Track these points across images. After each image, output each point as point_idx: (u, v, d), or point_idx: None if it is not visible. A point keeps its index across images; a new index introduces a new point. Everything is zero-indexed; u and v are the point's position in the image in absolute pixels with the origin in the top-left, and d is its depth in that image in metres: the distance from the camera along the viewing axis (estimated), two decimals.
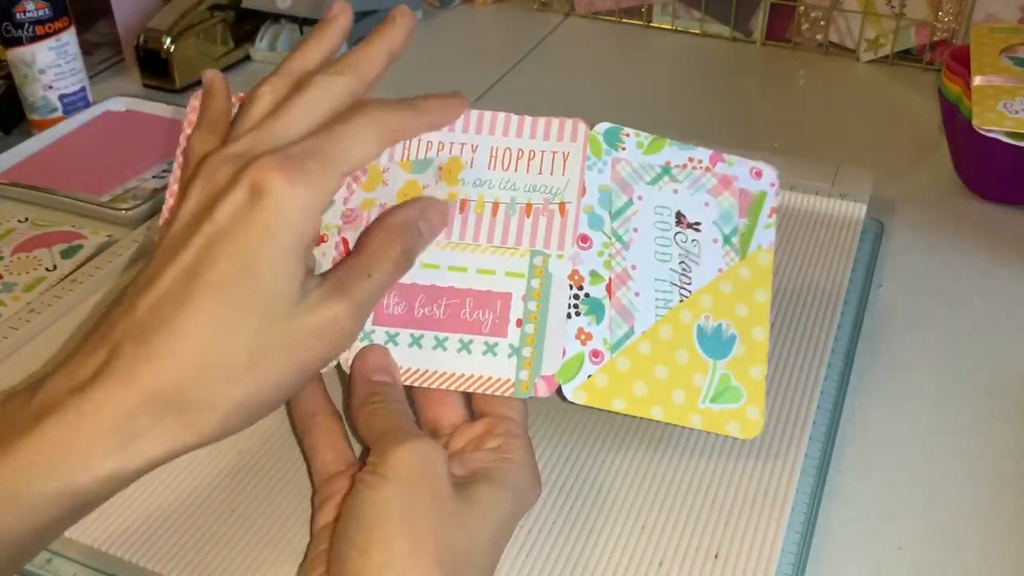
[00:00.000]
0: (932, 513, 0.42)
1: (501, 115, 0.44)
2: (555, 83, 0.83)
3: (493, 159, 0.43)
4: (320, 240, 0.43)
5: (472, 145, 0.43)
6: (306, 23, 0.85)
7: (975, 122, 0.57)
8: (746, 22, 0.87)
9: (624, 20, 0.92)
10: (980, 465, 0.44)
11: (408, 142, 0.44)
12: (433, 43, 0.91)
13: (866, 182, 0.60)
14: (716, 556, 0.39)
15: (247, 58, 0.87)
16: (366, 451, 0.42)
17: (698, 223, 0.43)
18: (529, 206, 0.42)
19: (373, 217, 0.43)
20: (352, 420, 0.39)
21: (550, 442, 0.44)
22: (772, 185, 0.44)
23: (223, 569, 0.39)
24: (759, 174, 0.44)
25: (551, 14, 0.94)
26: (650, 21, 0.91)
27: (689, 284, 0.42)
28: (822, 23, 0.84)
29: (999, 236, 0.60)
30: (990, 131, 0.57)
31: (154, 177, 0.67)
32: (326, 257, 0.43)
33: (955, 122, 0.63)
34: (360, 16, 0.87)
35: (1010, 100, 0.58)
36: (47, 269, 0.59)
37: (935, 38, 0.80)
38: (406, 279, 0.42)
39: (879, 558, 0.40)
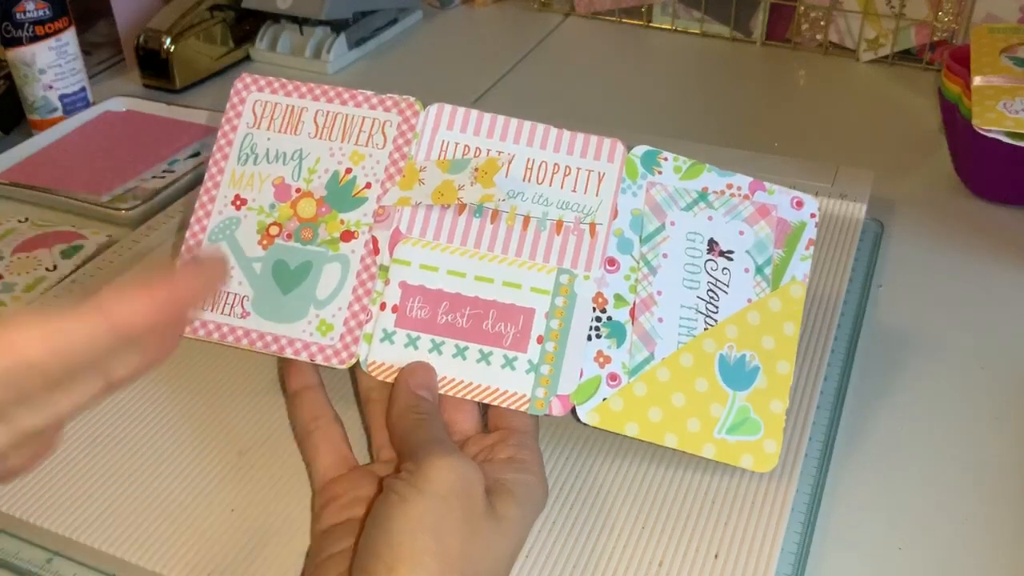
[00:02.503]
0: (932, 513, 0.42)
1: (540, 126, 0.44)
2: (555, 83, 0.83)
3: (528, 171, 0.43)
4: (350, 236, 0.43)
5: (509, 154, 0.44)
6: (306, 23, 0.85)
7: (975, 122, 0.57)
8: (746, 22, 0.87)
9: (624, 20, 0.92)
10: (980, 465, 0.44)
11: (445, 145, 0.44)
12: (433, 43, 0.91)
13: (866, 182, 0.60)
14: (716, 556, 0.39)
15: (247, 58, 0.87)
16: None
17: (731, 252, 0.43)
18: (560, 223, 0.43)
19: (407, 215, 0.43)
20: (390, 426, 0.40)
21: (551, 443, 0.44)
22: (812, 216, 0.44)
23: (223, 569, 0.39)
24: (800, 204, 0.44)
25: (551, 14, 0.94)
26: (650, 21, 0.91)
27: (716, 313, 0.42)
28: (822, 23, 0.84)
29: (999, 236, 0.60)
30: (990, 131, 0.57)
31: (154, 177, 0.67)
32: (355, 255, 0.43)
33: (955, 122, 0.63)
34: (360, 16, 0.87)
35: (1010, 100, 0.58)
36: (47, 269, 0.59)
37: (935, 38, 0.80)
38: (433, 284, 0.42)
39: (879, 558, 0.40)
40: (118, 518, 0.41)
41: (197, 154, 0.69)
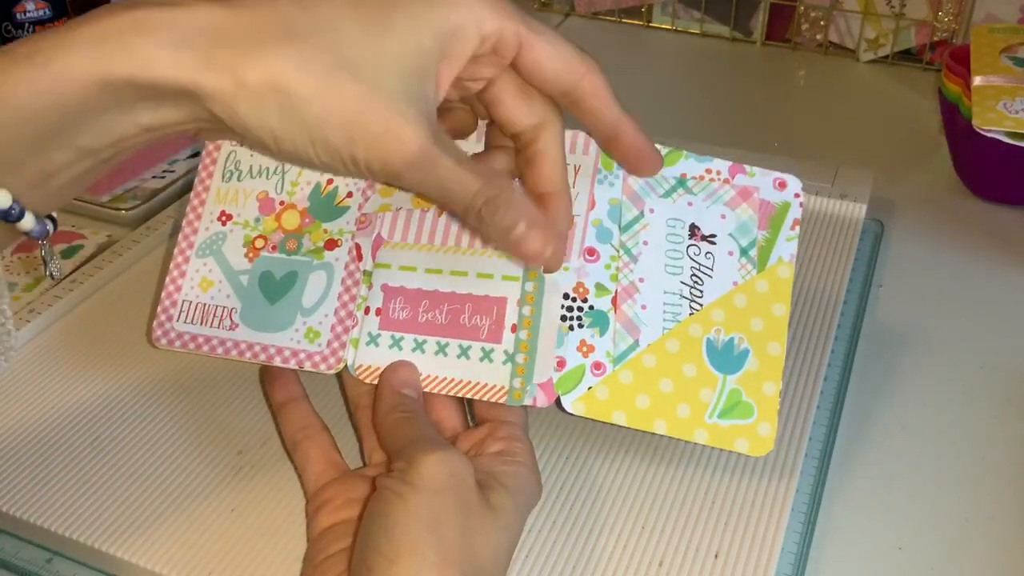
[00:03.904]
0: (932, 513, 0.42)
1: None
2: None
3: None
4: (334, 245, 0.43)
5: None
6: None
7: (975, 122, 0.57)
8: (746, 22, 0.87)
9: (624, 20, 0.92)
10: (980, 465, 0.44)
11: None
12: None
13: (866, 182, 0.60)
14: (716, 556, 0.39)
15: None
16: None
17: (713, 235, 0.43)
18: None
19: (388, 220, 0.43)
20: (377, 426, 0.40)
21: (550, 443, 0.44)
22: (796, 196, 0.44)
23: (223, 569, 0.39)
24: (783, 185, 0.44)
25: (551, 14, 0.94)
26: (650, 21, 0.91)
27: (700, 297, 0.42)
28: (822, 23, 0.84)
29: (999, 236, 0.60)
30: (990, 131, 0.57)
31: (154, 177, 0.67)
32: (339, 262, 0.43)
33: (955, 122, 0.63)
34: None
35: (1010, 100, 0.58)
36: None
37: (935, 38, 0.80)
38: (412, 284, 0.42)
39: (879, 558, 0.40)
40: (118, 518, 0.41)
41: (197, 154, 0.69)
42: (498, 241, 0.38)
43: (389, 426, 0.39)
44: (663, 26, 0.90)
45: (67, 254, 0.60)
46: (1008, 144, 0.57)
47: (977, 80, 0.60)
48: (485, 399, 0.41)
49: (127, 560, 0.39)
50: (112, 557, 0.40)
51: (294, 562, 0.39)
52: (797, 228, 0.43)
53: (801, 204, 0.43)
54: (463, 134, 0.42)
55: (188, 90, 0.32)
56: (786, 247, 0.43)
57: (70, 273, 0.57)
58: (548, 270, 0.41)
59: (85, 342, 0.51)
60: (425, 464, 0.35)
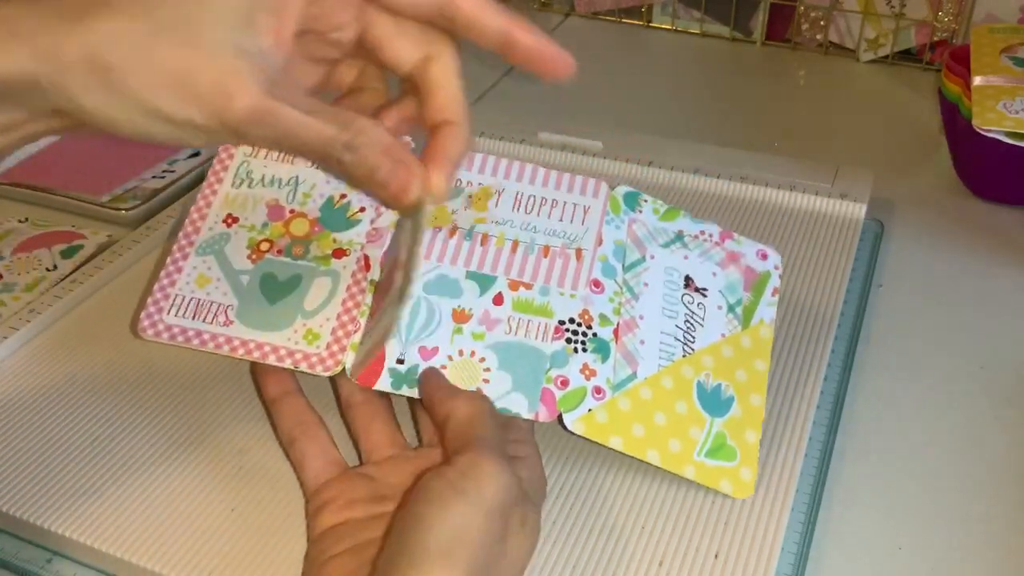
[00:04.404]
0: (932, 513, 0.42)
1: (528, 165, 0.46)
2: (555, 83, 0.82)
3: (517, 203, 0.45)
4: (342, 254, 0.44)
5: (499, 189, 0.45)
6: None
7: (975, 122, 0.57)
8: (746, 22, 0.87)
9: (624, 20, 0.92)
10: (980, 465, 0.44)
11: None
12: None
13: (866, 182, 0.60)
14: (716, 556, 0.39)
15: None
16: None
17: (705, 289, 0.45)
18: (547, 248, 0.44)
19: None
20: (443, 401, 0.39)
21: (550, 443, 0.44)
22: (776, 268, 0.47)
23: (223, 569, 0.39)
24: (764, 256, 0.47)
25: (551, 14, 0.94)
26: (650, 21, 0.91)
27: (693, 342, 0.44)
28: (822, 23, 0.84)
29: (999, 236, 0.60)
30: (990, 131, 0.57)
31: (154, 177, 0.67)
32: (346, 270, 0.43)
33: (955, 122, 0.63)
34: None
35: (1010, 100, 0.58)
36: (47, 269, 0.59)
37: (935, 38, 0.80)
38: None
39: (879, 558, 0.40)
40: (118, 518, 0.41)
41: (197, 153, 0.69)
42: (365, 185, 0.35)
43: (463, 401, 0.38)
44: (663, 26, 0.90)
45: (67, 254, 0.60)
46: (1008, 144, 0.57)
47: (977, 80, 0.60)
48: (388, 344, 0.41)
49: (127, 560, 0.39)
50: (112, 557, 0.40)
51: (294, 562, 0.39)
52: (776, 296, 0.46)
53: (780, 276, 0.47)
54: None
55: (21, 81, 0.30)
56: (767, 311, 0.46)
57: (70, 273, 0.57)
58: (436, 201, 0.37)
59: (85, 342, 0.51)
60: (487, 478, 0.34)
